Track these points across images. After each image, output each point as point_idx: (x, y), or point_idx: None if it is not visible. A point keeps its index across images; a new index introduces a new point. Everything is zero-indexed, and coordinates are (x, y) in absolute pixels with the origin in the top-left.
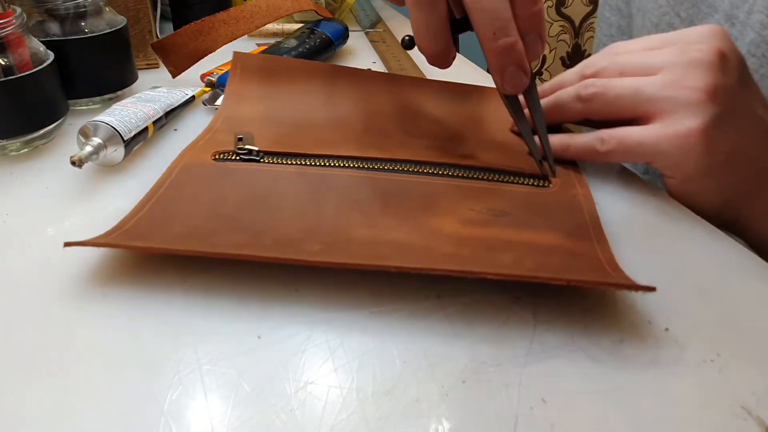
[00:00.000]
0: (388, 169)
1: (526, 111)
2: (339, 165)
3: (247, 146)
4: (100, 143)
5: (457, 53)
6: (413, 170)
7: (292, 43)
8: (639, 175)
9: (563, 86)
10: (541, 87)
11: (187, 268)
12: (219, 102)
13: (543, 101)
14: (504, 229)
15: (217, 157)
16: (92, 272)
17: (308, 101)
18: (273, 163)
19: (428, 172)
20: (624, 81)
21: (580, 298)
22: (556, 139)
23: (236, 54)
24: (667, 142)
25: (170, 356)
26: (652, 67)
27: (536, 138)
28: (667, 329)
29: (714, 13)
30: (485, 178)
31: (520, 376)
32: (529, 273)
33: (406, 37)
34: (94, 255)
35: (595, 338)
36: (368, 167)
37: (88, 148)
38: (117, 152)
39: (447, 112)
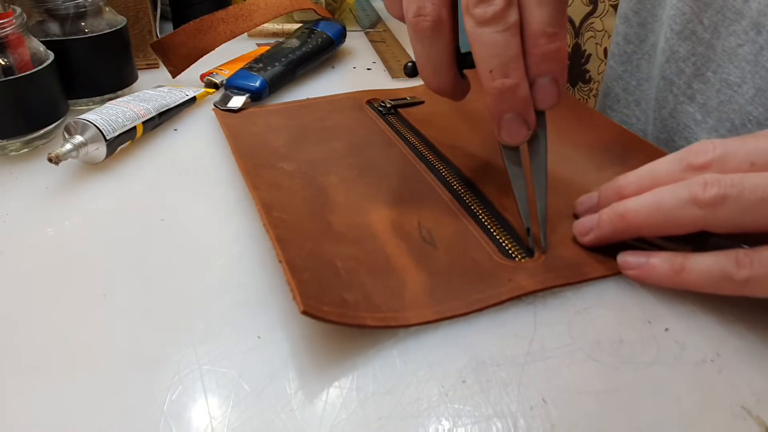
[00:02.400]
0: (433, 164)
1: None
2: (409, 141)
3: (385, 103)
4: (81, 141)
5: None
6: (445, 174)
7: (294, 43)
8: None
9: (658, 181)
10: (620, 184)
11: (187, 268)
12: (231, 104)
13: (634, 204)
14: (402, 250)
15: (368, 100)
16: (92, 272)
17: None
18: (386, 121)
19: (449, 182)
20: (765, 177)
21: (580, 299)
22: (663, 260)
23: None
24: None
25: (170, 356)
26: None
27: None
28: (667, 329)
29: (740, 19)
30: (476, 212)
31: (520, 376)
32: (292, 263)
33: (409, 64)
34: (93, 255)
35: (595, 338)
36: (425, 155)
37: (68, 146)
38: (98, 151)
39: (569, 148)
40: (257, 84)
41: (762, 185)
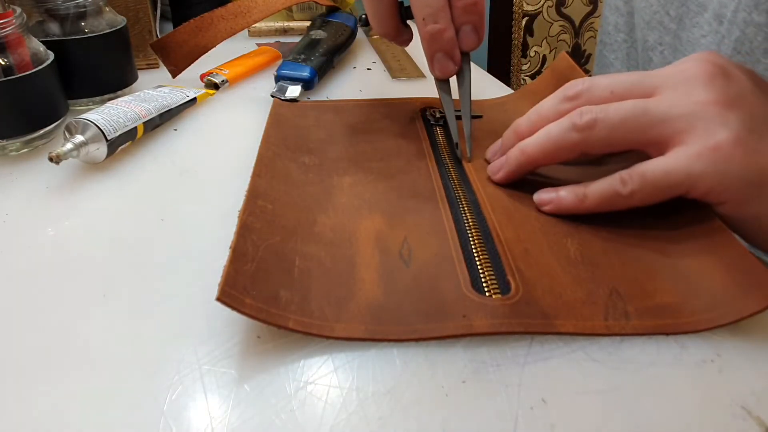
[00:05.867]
0: (452, 183)
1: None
2: (441, 156)
3: (436, 115)
4: (82, 141)
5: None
6: (458, 194)
7: (322, 34)
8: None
9: (545, 116)
10: (517, 123)
11: (187, 269)
12: (289, 94)
13: (530, 140)
14: (372, 262)
15: (424, 108)
16: (92, 272)
17: None
18: (429, 132)
19: (458, 203)
20: (626, 103)
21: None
22: (568, 191)
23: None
24: (699, 160)
25: (170, 356)
26: (647, 86)
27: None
28: None
29: (703, 11)
30: (470, 238)
31: (520, 376)
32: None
33: (362, 15)
34: (93, 255)
35: (595, 338)
36: (449, 172)
37: (68, 145)
38: (99, 150)
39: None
40: (307, 73)
41: (622, 109)
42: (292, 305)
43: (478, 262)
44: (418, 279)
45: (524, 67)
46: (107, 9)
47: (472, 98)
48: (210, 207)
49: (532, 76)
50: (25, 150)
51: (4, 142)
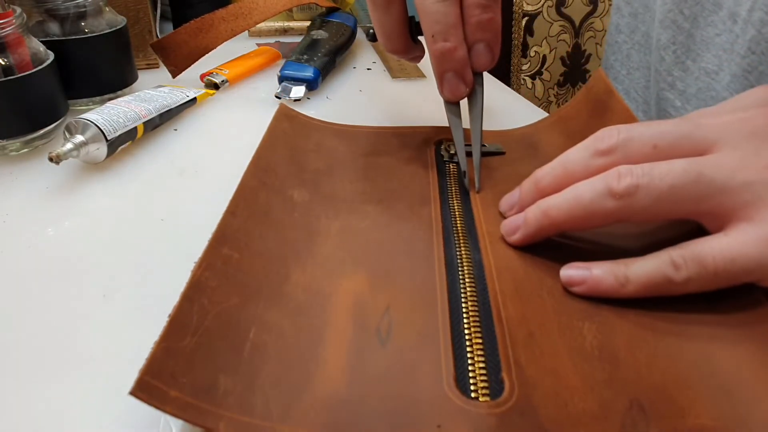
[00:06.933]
0: (455, 240)
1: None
2: (449, 203)
3: (450, 151)
4: (82, 141)
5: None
6: (462, 255)
7: (323, 34)
8: None
9: (572, 172)
10: (538, 176)
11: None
12: (293, 95)
13: (556, 201)
14: (343, 337)
15: (439, 141)
16: (92, 272)
17: None
18: (440, 171)
19: (458, 268)
20: (675, 164)
21: None
22: (605, 271)
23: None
24: None
25: None
26: (699, 140)
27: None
28: None
29: (718, 10)
30: (464, 316)
31: None
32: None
33: (371, 30)
34: (93, 255)
35: None
36: (454, 225)
37: (68, 145)
38: (99, 150)
39: None
40: (311, 73)
41: (671, 172)
42: (231, 397)
43: (468, 349)
44: (392, 365)
45: (524, 67)
46: (107, 9)
47: (495, 128)
48: (210, 207)
49: (532, 76)
50: (25, 150)
51: (4, 142)
